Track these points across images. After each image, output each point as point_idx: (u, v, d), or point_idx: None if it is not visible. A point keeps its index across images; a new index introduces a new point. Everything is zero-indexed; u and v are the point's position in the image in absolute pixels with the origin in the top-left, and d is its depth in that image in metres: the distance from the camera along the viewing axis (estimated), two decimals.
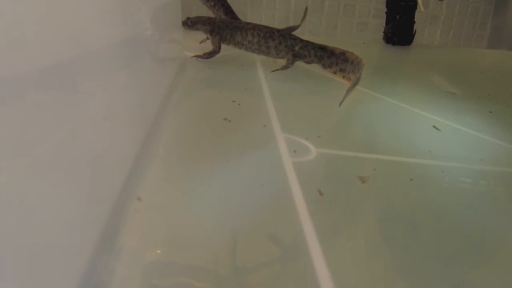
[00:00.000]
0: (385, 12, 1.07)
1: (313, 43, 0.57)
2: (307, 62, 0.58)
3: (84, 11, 0.21)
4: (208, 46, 0.63)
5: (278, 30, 0.58)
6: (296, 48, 0.57)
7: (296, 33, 0.60)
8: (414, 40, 1.08)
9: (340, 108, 0.40)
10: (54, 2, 0.17)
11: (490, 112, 0.52)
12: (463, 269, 0.22)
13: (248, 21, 0.69)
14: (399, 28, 1.05)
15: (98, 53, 0.22)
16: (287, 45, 0.57)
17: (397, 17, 1.04)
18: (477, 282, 0.21)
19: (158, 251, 0.21)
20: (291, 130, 0.38)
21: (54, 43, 0.17)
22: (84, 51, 0.20)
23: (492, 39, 1.32)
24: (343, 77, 0.57)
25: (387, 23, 1.08)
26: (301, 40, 0.57)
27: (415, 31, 1.07)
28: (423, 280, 0.21)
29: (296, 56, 0.57)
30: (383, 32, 1.09)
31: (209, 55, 0.59)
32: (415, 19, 1.06)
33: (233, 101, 0.46)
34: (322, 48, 0.57)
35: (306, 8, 0.69)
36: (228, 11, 0.75)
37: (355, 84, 0.49)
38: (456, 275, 0.22)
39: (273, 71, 0.57)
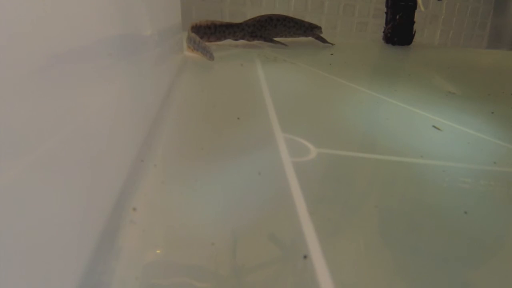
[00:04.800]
0: (385, 12, 1.07)
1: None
2: None
3: (83, 11, 0.21)
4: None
5: None
6: None
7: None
8: (414, 40, 1.08)
9: (340, 108, 0.40)
10: (54, 2, 0.17)
11: (492, 113, 0.52)
12: (464, 269, 0.22)
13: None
14: (399, 28, 1.05)
15: (97, 53, 0.22)
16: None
17: (397, 17, 1.04)
18: (478, 282, 0.21)
19: (158, 251, 0.21)
20: (291, 130, 0.38)
21: (53, 43, 0.17)
22: (83, 51, 0.20)
23: (491, 39, 1.32)
24: None
25: (387, 23, 1.08)
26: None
27: (415, 31, 1.07)
28: (423, 280, 0.21)
29: None
30: (383, 32, 1.09)
31: None
32: (415, 19, 1.06)
33: (233, 102, 0.46)
34: None
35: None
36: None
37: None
38: (456, 275, 0.22)
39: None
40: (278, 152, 0.33)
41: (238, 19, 0.84)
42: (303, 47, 0.88)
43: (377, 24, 1.17)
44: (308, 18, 1.11)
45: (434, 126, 0.44)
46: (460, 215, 0.27)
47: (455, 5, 1.25)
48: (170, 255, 0.21)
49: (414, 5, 1.03)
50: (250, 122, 0.36)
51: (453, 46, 1.28)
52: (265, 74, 0.58)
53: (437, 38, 1.27)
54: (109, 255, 0.20)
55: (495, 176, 0.34)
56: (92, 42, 0.22)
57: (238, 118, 0.40)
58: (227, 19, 1.05)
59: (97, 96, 0.22)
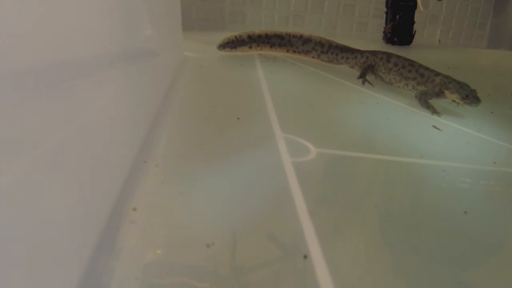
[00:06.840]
0: (385, 12, 1.07)
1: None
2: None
3: (83, 11, 0.21)
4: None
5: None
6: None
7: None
8: (414, 40, 1.08)
9: (340, 108, 0.40)
10: (53, 2, 0.17)
11: (492, 112, 0.52)
12: (463, 269, 0.22)
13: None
14: (399, 28, 1.05)
15: (97, 53, 0.22)
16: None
17: (397, 17, 1.04)
18: (478, 282, 0.21)
19: (158, 251, 0.21)
20: (291, 130, 0.38)
21: (53, 43, 0.17)
22: (83, 52, 0.20)
23: (491, 39, 1.32)
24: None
25: (387, 23, 1.08)
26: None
27: (415, 31, 1.07)
28: (423, 280, 0.21)
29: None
30: (383, 32, 1.09)
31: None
32: (415, 19, 1.06)
33: (233, 102, 0.46)
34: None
35: None
36: None
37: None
38: (456, 275, 0.22)
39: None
40: (278, 152, 0.33)
41: (238, 19, 0.84)
42: None
43: (377, 24, 1.17)
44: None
45: (434, 126, 0.44)
46: (460, 215, 0.27)
47: (455, 5, 1.25)
48: (170, 255, 0.21)
49: (414, 5, 1.03)
50: (250, 122, 0.36)
51: (453, 46, 1.28)
52: (265, 74, 0.58)
53: (437, 38, 1.27)
54: (109, 255, 0.20)
55: (495, 176, 0.34)
56: (91, 42, 0.22)
57: (238, 118, 0.40)
58: (227, 19, 1.05)
59: (97, 96, 0.22)
